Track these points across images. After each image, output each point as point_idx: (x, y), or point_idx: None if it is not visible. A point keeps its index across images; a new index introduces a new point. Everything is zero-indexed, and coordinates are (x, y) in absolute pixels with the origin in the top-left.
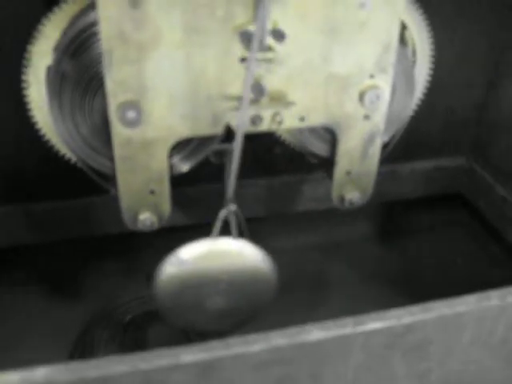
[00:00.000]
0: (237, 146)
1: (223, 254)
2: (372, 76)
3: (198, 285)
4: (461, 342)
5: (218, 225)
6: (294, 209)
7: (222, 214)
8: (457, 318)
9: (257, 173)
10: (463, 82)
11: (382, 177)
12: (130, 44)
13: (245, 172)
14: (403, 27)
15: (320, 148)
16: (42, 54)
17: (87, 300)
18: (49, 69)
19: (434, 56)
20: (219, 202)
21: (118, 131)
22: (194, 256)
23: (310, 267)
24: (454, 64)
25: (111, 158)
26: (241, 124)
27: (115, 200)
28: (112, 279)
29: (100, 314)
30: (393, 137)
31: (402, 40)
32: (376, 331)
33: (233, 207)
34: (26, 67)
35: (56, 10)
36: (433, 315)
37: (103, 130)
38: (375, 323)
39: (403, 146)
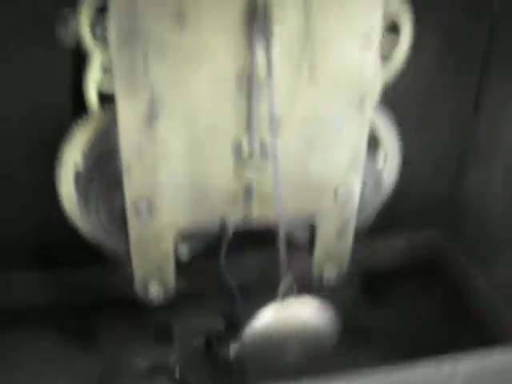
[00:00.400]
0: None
1: (293, 314)
2: (344, 176)
3: (273, 343)
4: None
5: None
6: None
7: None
8: None
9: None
10: (435, 169)
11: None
12: (144, 158)
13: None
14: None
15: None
16: (71, 160)
17: (100, 353)
18: (77, 174)
19: (401, 152)
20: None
21: (134, 223)
22: (271, 321)
23: None
24: (425, 153)
25: (127, 242)
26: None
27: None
28: (123, 337)
29: (112, 365)
30: (366, 220)
31: (373, 142)
32: None
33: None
34: (59, 168)
35: (84, 122)
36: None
37: (121, 221)
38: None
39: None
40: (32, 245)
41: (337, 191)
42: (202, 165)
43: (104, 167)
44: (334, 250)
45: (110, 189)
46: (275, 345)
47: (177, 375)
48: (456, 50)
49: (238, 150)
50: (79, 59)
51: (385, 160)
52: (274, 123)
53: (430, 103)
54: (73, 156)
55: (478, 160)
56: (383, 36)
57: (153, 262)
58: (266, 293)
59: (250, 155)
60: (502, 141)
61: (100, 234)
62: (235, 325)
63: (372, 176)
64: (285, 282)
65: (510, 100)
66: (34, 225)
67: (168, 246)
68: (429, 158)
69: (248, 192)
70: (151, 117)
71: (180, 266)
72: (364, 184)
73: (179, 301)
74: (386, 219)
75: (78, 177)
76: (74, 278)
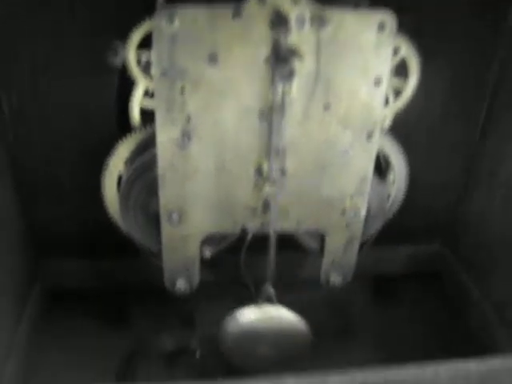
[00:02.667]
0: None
1: (271, 317)
2: (352, 198)
3: (252, 337)
4: None
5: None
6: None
7: (264, 293)
8: None
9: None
10: (440, 190)
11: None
12: (177, 172)
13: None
14: (383, 156)
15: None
16: (116, 167)
17: (130, 334)
18: (120, 179)
19: (409, 175)
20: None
21: (166, 227)
22: (250, 317)
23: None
24: (432, 176)
25: (159, 243)
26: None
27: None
28: (151, 321)
29: (141, 345)
30: (370, 236)
31: (382, 166)
32: None
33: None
34: (105, 173)
35: (128, 136)
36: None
37: (155, 225)
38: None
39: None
40: (79, 239)
41: (344, 211)
42: (227, 182)
43: (143, 176)
44: (339, 260)
45: (147, 195)
46: (251, 342)
47: (197, 356)
48: (465, 82)
49: (259, 171)
50: (127, 82)
51: (393, 182)
52: (280, 153)
53: (438, 131)
54: (117, 164)
55: (481, 184)
56: (393, 74)
57: (180, 260)
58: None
59: (269, 175)
60: (503, 168)
61: (137, 233)
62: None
63: (379, 197)
64: (267, 288)
65: None
66: (82, 223)
67: (194, 248)
68: (435, 180)
69: (266, 205)
70: (184, 139)
71: (204, 262)
72: (371, 204)
73: (202, 292)
74: (393, 232)
75: (120, 182)
76: (113, 267)
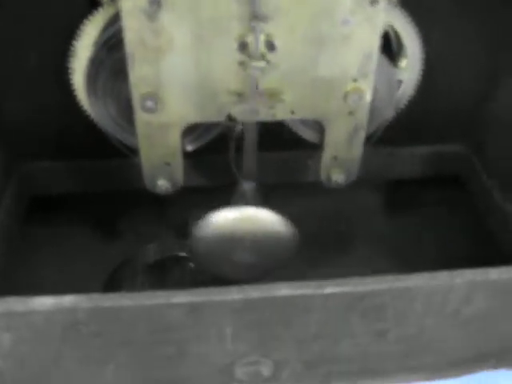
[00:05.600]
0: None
1: (249, 219)
2: (355, 80)
3: (227, 242)
4: (414, 310)
5: (237, 197)
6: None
7: (241, 188)
8: (407, 292)
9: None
10: (463, 74)
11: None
12: (149, 48)
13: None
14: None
15: (311, 136)
16: (84, 48)
17: (118, 241)
18: (88, 60)
19: (426, 59)
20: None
21: (140, 116)
22: (225, 220)
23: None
24: (454, 60)
25: (134, 135)
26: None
27: None
28: (145, 226)
29: (130, 255)
30: (376, 129)
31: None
32: (333, 295)
33: (250, 185)
34: (72, 58)
35: (96, 12)
36: (385, 286)
37: (128, 113)
38: (332, 288)
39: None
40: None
41: (347, 95)
42: (207, 60)
43: (110, 56)
44: (342, 155)
45: (116, 79)
46: (225, 248)
47: (191, 264)
48: None
49: (242, 46)
50: None
51: (405, 67)
52: (266, 20)
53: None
54: (85, 46)
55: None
56: None
57: (160, 156)
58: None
59: (254, 50)
60: None
61: (110, 125)
62: None
63: (388, 81)
64: (248, 187)
65: None
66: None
67: (175, 140)
68: (457, 67)
69: (253, 88)
70: (153, 7)
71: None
72: (379, 89)
73: (195, 196)
74: (408, 130)
75: (88, 65)
76: (95, 169)
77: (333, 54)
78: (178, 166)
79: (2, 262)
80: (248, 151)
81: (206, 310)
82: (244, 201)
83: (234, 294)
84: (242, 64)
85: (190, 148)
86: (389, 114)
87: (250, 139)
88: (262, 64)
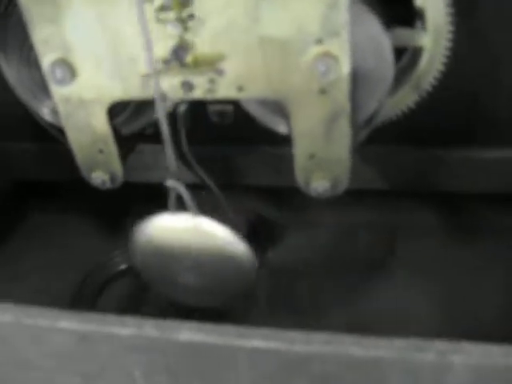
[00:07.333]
0: (161, 113)
1: (194, 231)
2: (320, 41)
3: (166, 257)
4: None
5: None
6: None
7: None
8: None
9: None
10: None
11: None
12: (48, 4)
13: None
14: None
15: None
16: None
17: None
18: None
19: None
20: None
21: (55, 90)
22: (162, 229)
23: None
24: None
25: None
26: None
27: None
28: None
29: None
30: (374, 113)
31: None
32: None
33: (173, 182)
34: None
35: None
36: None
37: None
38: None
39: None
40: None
41: (312, 65)
42: (115, 15)
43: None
44: (321, 153)
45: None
46: (166, 262)
47: None
48: None
49: None
50: None
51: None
52: None
53: None
54: None
55: None
56: None
57: (90, 142)
58: None
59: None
60: None
61: (26, 99)
62: None
63: (373, 41)
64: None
65: None
66: None
67: (101, 121)
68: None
69: (177, 53)
70: None
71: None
72: (362, 54)
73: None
74: None
75: None
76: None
77: (279, 2)
78: (113, 154)
79: None
80: (166, 141)
81: (96, 342)
82: (180, 206)
83: (129, 328)
84: (158, 21)
85: (126, 131)
86: (386, 86)
87: (169, 125)
88: (172, 16)
